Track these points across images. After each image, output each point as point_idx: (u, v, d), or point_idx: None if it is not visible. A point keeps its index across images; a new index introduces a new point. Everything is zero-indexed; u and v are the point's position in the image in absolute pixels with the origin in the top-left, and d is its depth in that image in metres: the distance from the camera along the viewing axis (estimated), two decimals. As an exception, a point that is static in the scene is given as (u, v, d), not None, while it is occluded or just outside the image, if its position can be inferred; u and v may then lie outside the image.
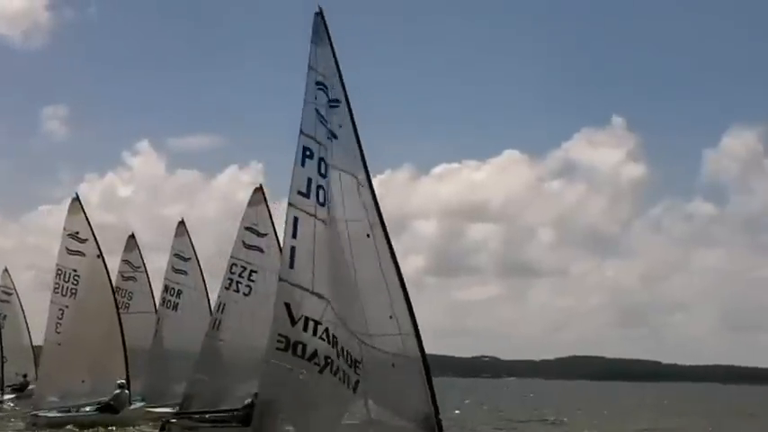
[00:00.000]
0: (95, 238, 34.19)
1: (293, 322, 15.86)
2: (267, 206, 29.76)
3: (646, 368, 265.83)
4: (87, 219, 34.27)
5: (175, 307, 35.44)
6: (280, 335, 15.84)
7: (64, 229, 34.16)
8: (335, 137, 16.12)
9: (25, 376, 49.04)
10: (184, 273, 36.19)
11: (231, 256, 29.66)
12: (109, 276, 34.52)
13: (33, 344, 51.06)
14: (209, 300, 35.07)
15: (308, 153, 16.10)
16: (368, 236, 15.62)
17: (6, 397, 46.47)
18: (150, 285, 39.44)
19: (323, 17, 16.21)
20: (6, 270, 55.32)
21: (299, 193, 16.09)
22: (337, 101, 16.12)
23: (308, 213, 15.98)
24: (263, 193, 30.04)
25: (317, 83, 16.24)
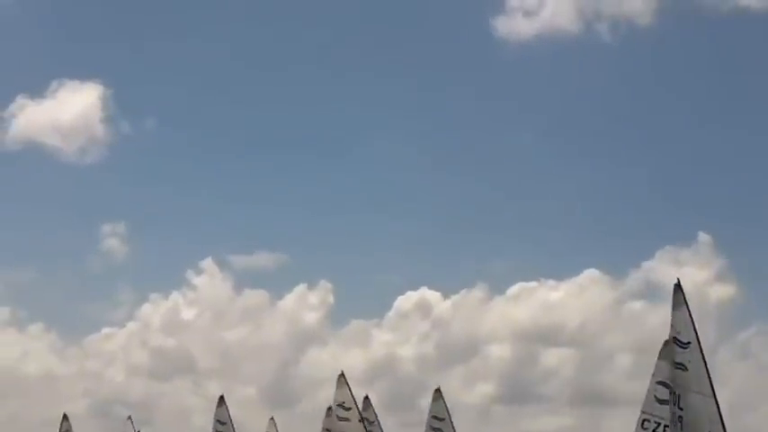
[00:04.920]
0: (357, 406, 44.61)
1: None
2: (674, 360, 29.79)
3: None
4: (350, 391, 44.79)
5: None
6: None
7: (334, 399, 44.79)
8: (686, 368, 26.26)
9: None
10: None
11: (643, 411, 30.75)
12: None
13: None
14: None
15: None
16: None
17: None
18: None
19: (681, 289, 26.51)
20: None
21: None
22: (688, 343, 26.34)
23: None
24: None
25: (673, 337, 26.75)
